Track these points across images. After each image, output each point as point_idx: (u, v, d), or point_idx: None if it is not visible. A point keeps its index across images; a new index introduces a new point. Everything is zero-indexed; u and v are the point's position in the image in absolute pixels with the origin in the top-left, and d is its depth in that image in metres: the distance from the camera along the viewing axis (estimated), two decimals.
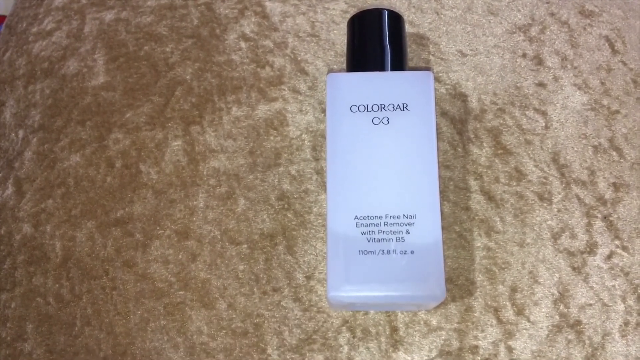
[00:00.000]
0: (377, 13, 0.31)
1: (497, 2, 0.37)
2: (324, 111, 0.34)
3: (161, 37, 0.36)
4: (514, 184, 0.32)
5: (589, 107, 0.34)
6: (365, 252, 0.27)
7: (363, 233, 0.27)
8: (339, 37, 0.36)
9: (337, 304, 0.28)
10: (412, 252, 0.26)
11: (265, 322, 0.30)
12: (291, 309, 0.31)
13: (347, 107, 0.29)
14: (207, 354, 0.30)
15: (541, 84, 0.34)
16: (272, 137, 0.34)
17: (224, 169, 0.33)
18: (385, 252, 0.27)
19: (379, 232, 0.27)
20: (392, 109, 0.28)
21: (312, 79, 0.35)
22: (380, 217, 0.27)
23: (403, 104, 0.28)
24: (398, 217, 0.27)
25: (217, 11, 0.37)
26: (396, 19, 0.31)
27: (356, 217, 0.27)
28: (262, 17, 0.36)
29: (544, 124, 0.33)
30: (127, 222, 0.33)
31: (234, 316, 0.31)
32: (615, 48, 0.35)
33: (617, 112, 0.34)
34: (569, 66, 0.35)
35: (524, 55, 0.35)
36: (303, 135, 0.34)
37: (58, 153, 0.35)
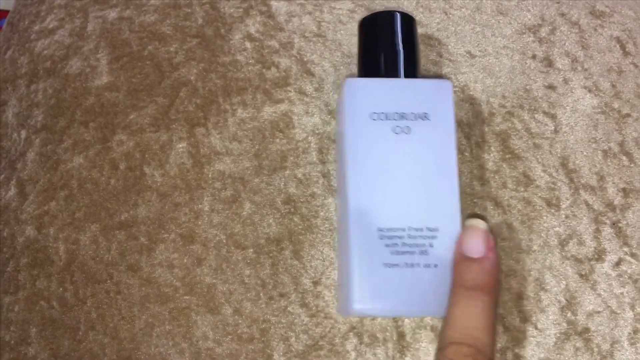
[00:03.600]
0: (389, 15, 0.30)
1: (506, 1, 0.36)
2: (330, 113, 0.34)
3: (165, 36, 0.36)
4: (522, 189, 0.32)
5: (599, 110, 0.33)
6: (390, 265, 0.26)
7: (387, 245, 0.26)
8: (346, 37, 0.35)
9: (358, 315, 0.27)
10: (435, 265, 0.26)
11: (272, 327, 0.30)
12: (298, 314, 0.30)
13: (367, 115, 0.28)
14: (213, 359, 0.30)
15: (551, 87, 0.34)
16: (277, 140, 0.33)
17: (229, 171, 0.33)
18: (409, 265, 0.26)
19: (402, 245, 0.26)
20: (414, 118, 0.28)
21: (319, 80, 0.34)
22: (403, 230, 0.26)
23: (424, 114, 0.28)
24: (421, 229, 0.26)
25: (221, 10, 0.36)
26: (409, 22, 0.31)
27: (379, 229, 0.26)
28: (268, 16, 0.36)
29: (553, 128, 0.33)
30: (131, 226, 0.32)
31: (240, 321, 0.30)
32: (627, 50, 0.35)
33: (628, 115, 0.33)
34: (579, 68, 0.34)
35: (534, 57, 0.35)
36: (309, 138, 0.33)
37: (61, 154, 0.34)
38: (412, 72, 0.30)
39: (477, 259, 0.25)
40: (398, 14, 0.30)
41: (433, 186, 0.27)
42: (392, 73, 0.29)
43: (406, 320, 0.30)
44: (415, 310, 0.26)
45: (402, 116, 0.28)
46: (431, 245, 0.26)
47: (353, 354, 0.30)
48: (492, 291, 0.25)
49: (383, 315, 0.27)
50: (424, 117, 0.28)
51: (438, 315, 0.27)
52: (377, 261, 0.26)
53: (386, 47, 0.30)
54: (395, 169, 0.27)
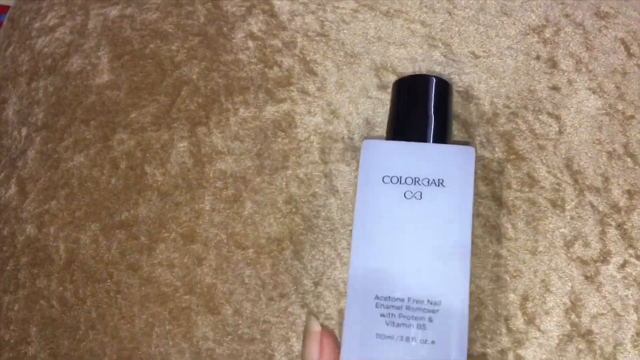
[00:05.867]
0: (424, 80, 0.30)
1: (510, 2, 0.36)
2: (332, 112, 0.34)
3: (167, 34, 0.36)
4: (526, 190, 0.32)
5: (604, 111, 0.33)
6: (383, 337, 0.24)
7: (382, 315, 0.25)
8: (349, 36, 0.35)
9: None
10: (432, 342, 0.24)
11: (272, 328, 0.30)
12: (298, 315, 0.30)
13: (380, 177, 0.26)
14: (213, 359, 0.30)
15: (555, 88, 0.34)
16: (279, 139, 0.33)
17: (231, 171, 0.33)
18: (404, 339, 0.24)
19: (399, 316, 0.25)
20: (427, 183, 0.26)
21: (321, 80, 0.34)
22: (402, 300, 0.25)
23: (439, 180, 0.26)
24: (422, 301, 0.25)
25: (224, 9, 0.36)
26: (444, 87, 0.30)
27: (377, 297, 0.25)
28: (270, 15, 0.36)
29: (557, 129, 0.33)
30: (131, 225, 0.32)
31: (240, 322, 0.30)
32: (631, 51, 0.35)
33: (632, 117, 0.33)
34: (584, 69, 0.34)
35: (538, 58, 0.34)
36: (311, 137, 0.33)
37: (62, 153, 0.34)
38: (440, 137, 0.28)
39: None
40: (434, 79, 0.29)
41: (441, 255, 0.25)
42: (416, 137, 0.28)
43: None
44: None
45: (415, 181, 0.26)
46: (430, 320, 0.24)
47: None
48: None
49: None
50: (439, 183, 0.26)
51: None
52: (370, 331, 0.24)
53: (416, 111, 0.29)
54: (402, 235, 0.26)
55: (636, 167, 0.32)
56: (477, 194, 0.32)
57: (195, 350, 0.30)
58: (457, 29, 0.35)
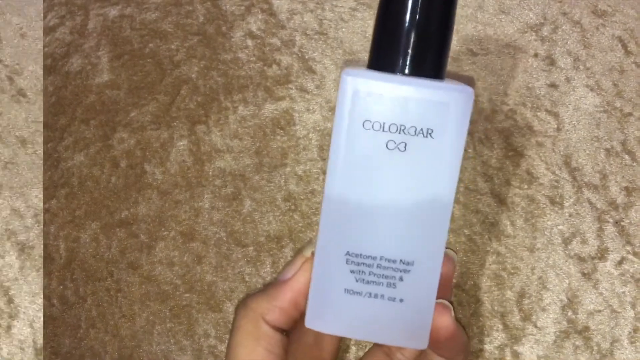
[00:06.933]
0: None
1: (508, 0, 0.36)
2: (331, 109, 0.34)
3: (166, 34, 0.36)
4: (525, 186, 0.32)
5: (602, 109, 0.33)
6: (351, 292, 0.24)
7: (352, 272, 0.24)
8: (348, 35, 0.35)
9: None
10: (401, 300, 0.24)
11: None
12: None
13: (360, 122, 0.23)
14: (215, 356, 0.30)
15: (553, 85, 0.34)
16: (278, 137, 0.33)
17: (230, 169, 0.33)
18: (372, 295, 0.24)
19: (369, 274, 0.24)
20: (414, 133, 0.23)
21: (320, 78, 0.34)
22: (374, 258, 0.24)
23: (427, 130, 0.23)
24: (394, 261, 0.24)
25: (223, 8, 0.36)
26: (449, 2, 0.24)
27: (348, 253, 0.24)
28: (269, 14, 0.36)
29: (555, 126, 0.33)
30: (131, 223, 0.32)
31: None
32: (628, 49, 0.35)
33: (630, 114, 0.33)
34: (582, 67, 0.34)
35: (536, 55, 0.34)
36: (310, 135, 0.33)
37: (62, 152, 0.34)
38: (436, 70, 0.24)
39: None
40: None
41: (419, 214, 0.24)
42: (405, 68, 0.23)
43: None
44: (371, 337, 0.25)
45: (401, 129, 0.23)
46: (401, 279, 0.24)
47: (354, 348, 0.30)
48: None
49: (337, 335, 0.26)
50: (427, 133, 0.23)
51: (395, 344, 0.26)
52: (338, 286, 0.24)
53: (406, 31, 0.23)
54: (380, 189, 0.23)
55: (634, 164, 0.32)
56: (473, 183, 0.32)
57: (197, 347, 0.30)
58: (455, 27, 0.35)
